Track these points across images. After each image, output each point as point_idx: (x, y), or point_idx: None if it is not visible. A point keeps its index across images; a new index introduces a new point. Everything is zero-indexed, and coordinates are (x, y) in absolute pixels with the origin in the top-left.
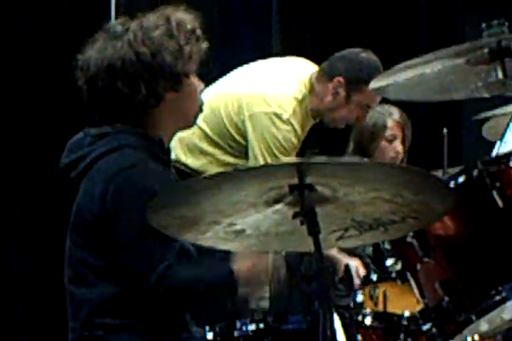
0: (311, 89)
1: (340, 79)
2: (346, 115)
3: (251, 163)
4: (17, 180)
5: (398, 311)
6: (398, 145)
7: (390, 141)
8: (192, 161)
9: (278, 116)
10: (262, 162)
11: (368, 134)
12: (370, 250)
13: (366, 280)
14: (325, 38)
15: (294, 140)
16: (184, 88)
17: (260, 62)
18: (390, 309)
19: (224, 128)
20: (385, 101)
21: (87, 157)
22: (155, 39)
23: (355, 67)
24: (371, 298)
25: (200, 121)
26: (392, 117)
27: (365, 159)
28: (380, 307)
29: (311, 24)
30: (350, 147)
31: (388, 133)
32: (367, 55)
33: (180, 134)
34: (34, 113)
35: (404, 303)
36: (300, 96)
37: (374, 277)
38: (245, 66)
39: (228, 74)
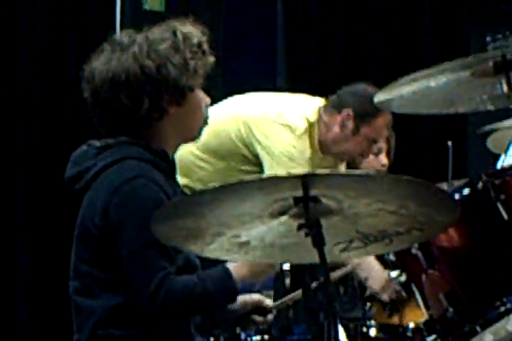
0: (319, 121)
1: (350, 111)
2: (352, 148)
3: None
4: (22, 193)
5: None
6: (384, 158)
7: (376, 154)
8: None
9: (292, 129)
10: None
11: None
12: None
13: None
14: (330, 52)
15: (306, 155)
16: (188, 102)
17: (266, 93)
18: (406, 321)
19: (234, 150)
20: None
21: (91, 169)
22: (160, 52)
23: (365, 100)
24: (384, 309)
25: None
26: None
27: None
28: (396, 319)
29: (314, 40)
30: None
31: (375, 146)
32: (374, 90)
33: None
34: (39, 125)
35: (419, 315)
36: (305, 128)
37: None
38: (251, 94)
39: (232, 98)
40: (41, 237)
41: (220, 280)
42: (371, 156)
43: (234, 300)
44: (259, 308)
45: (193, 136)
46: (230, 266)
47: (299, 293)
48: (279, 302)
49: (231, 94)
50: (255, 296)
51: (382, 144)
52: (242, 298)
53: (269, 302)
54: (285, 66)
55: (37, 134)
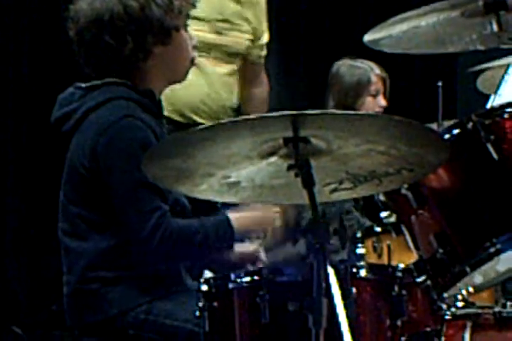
0: None
1: None
2: None
3: None
4: (11, 135)
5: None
6: (381, 100)
7: (374, 96)
8: None
9: None
10: None
11: (353, 90)
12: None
13: (369, 232)
14: None
15: None
16: (174, 42)
17: None
18: (395, 261)
19: None
20: (380, 54)
21: (78, 110)
22: None
23: None
24: (375, 250)
25: None
26: (374, 72)
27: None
28: (385, 260)
29: None
30: (330, 104)
31: (372, 88)
32: None
33: None
34: (27, 69)
35: (410, 256)
36: None
37: (378, 229)
38: None
39: None
40: (30, 179)
41: (219, 226)
42: (369, 98)
43: (230, 247)
44: (254, 260)
45: (180, 76)
46: (232, 215)
47: (291, 249)
48: (273, 256)
49: None
50: (251, 247)
51: (379, 86)
52: (238, 248)
53: (263, 256)
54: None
55: (26, 77)
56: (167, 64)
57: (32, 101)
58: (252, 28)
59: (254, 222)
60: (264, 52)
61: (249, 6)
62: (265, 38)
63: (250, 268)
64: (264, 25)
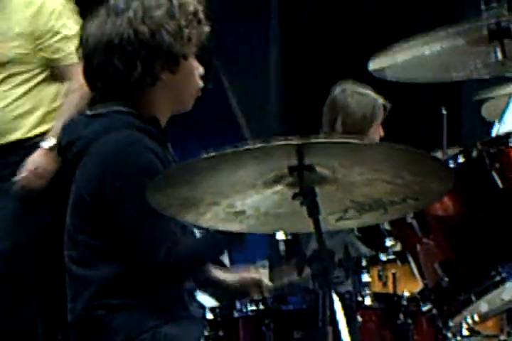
0: None
1: None
2: None
3: None
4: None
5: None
6: (380, 129)
7: (379, 125)
8: None
9: None
10: None
11: (360, 123)
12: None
13: (374, 261)
14: (323, 13)
15: None
16: (181, 70)
17: None
18: (400, 290)
19: None
20: (382, 82)
21: (83, 138)
22: (155, 18)
23: None
24: (380, 278)
25: None
26: (379, 103)
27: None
28: (390, 288)
29: (309, 3)
30: (336, 130)
31: (378, 120)
32: None
33: None
34: None
35: (415, 284)
36: None
37: (383, 257)
38: None
39: None
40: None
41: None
42: (373, 129)
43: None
44: (258, 287)
45: (185, 105)
46: None
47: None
48: (277, 283)
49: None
50: (255, 275)
51: (382, 116)
52: (241, 276)
53: (267, 282)
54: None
55: None
56: (174, 91)
57: None
58: (18, 34)
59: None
60: (64, 51)
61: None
62: (57, 36)
63: (254, 293)
64: (51, 24)
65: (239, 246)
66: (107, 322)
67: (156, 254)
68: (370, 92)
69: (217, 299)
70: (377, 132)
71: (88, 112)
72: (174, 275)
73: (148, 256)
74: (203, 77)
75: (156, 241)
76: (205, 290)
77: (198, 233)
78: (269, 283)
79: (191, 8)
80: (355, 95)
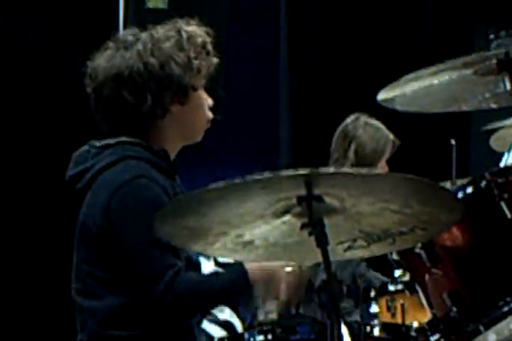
0: None
1: None
2: None
3: None
4: (25, 192)
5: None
6: (386, 165)
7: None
8: None
9: None
10: None
11: (371, 155)
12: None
13: (383, 291)
14: (332, 45)
15: None
16: (191, 102)
17: None
18: (409, 320)
19: None
20: (391, 112)
21: (92, 169)
22: (165, 50)
23: None
24: (388, 309)
25: None
26: (390, 138)
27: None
28: (398, 319)
29: (318, 35)
30: (347, 160)
31: (387, 155)
32: None
33: None
34: (41, 124)
35: (424, 315)
36: None
37: (391, 287)
38: None
39: None
40: (43, 238)
41: (236, 281)
42: (383, 162)
43: (250, 292)
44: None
45: (195, 136)
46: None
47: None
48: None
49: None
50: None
51: (392, 151)
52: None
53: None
54: (287, 67)
55: (39, 134)
56: (184, 123)
57: (47, 159)
58: None
59: (271, 272)
60: None
61: None
62: None
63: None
64: None
65: (245, 294)
66: None
67: (155, 288)
68: (382, 126)
69: (233, 310)
70: (383, 167)
71: (97, 143)
72: (174, 311)
73: (147, 289)
74: (211, 109)
75: (155, 276)
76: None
77: (207, 264)
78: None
79: (200, 40)
80: (367, 127)
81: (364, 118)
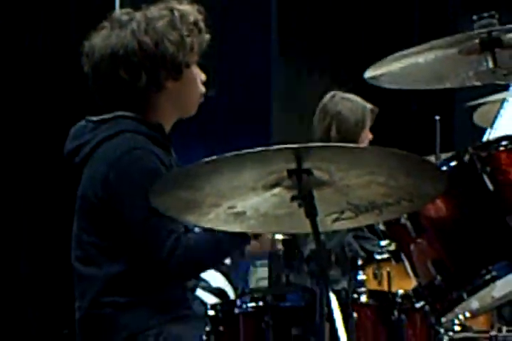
0: None
1: None
2: None
3: None
4: (25, 166)
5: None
6: (369, 133)
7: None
8: None
9: None
10: None
11: (353, 128)
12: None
13: (370, 260)
14: (321, 28)
15: None
16: (184, 77)
17: None
18: (395, 288)
19: None
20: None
21: (89, 142)
22: (158, 29)
23: None
24: (375, 277)
25: None
26: (368, 108)
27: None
28: (385, 286)
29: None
30: (332, 137)
31: (368, 123)
32: None
33: None
34: (40, 102)
35: (409, 282)
36: None
37: (378, 256)
38: None
39: None
40: (44, 209)
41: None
42: (365, 133)
43: (247, 242)
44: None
45: (189, 110)
46: None
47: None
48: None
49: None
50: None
51: (371, 120)
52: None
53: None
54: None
55: (38, 111)
56: (178, 98)
57: (46, 135)
58: None
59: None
60: None
61: None
62: None
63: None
64: None
65: (242, 248)
66: (113, 320)
67: (158, 254)
68: (358, 98)
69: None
70: (367, 136)
71: (94, 118)
72: (176, 275)
73: (150, 255)
74: (204, 84)
75: (157, 242)
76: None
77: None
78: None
79: (192, 18)
80: (344, 102)
81: (340, 94)
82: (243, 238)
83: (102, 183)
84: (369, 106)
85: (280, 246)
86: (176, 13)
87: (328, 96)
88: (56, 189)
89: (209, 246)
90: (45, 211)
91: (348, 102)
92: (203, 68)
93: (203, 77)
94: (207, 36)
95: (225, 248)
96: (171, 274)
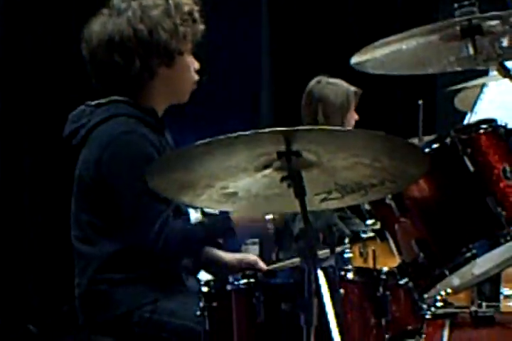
0: None
1: None
2: None
3: None
4: (27, 149)
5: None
6: (355, 114)
7: (354, 110)
8: None
9: None
10: None
11: (339, 110)
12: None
13: (356, 238)
14: (310, 13)
15: None
16: (177, 65)
17: None
18: (380, 265)
19: None
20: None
21: (86, 126)
22: (153, 17)
23: None
24: (361, 254)
25: None
26: (352, 90)
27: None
28: (370, 264)
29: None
30: (319, 120)
31: (352, 105)
32: None
33: None
34: (41, 88)
35: (393, 260)
36: None
37: (363, 235)
38: None
39: None
40: (45, 189)
41: (217, 220)
42: (350, 114)
43: (233, 234)
44: (253, 268)
45: (181, 97)
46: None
47: (291, 261)
48: (272, 266)
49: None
50: (252, 257)
51: (356, 102)
52: (239, 256)
53: (262, 264)
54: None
55: (40, 98)
56: (170, 84)
57: (47, 119)
58: None
59: (249, 221)
60: None
61: None
62: None
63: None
64: None
65: (231, 231)
66: (110, 296)
67: (147, 236)
68: (341, 81)
69: (212, 274)
70: (353, 117)
71: (91, 102)
72: (165, 256)
73: (139, 237)
74: (198, 71)
75: (147, 224)
76: (206, 268)
77: (194, 215)
78: (263, 265)
79: (186, 8)
80: (329, 86)
81: (325, 79)
82: (227, 222)
83: (96, 165)
84: (353, 88)
85: (271, 226)
86: (171, 2)
87: (313, 81)
88: (56, 170)
89: (195, 230)
90: (47, 191)
91: (332, 86)
92: (197, 57)
93: (196, 65)
94: (201, 26)
95: (211, 231)
96: (157, 254)
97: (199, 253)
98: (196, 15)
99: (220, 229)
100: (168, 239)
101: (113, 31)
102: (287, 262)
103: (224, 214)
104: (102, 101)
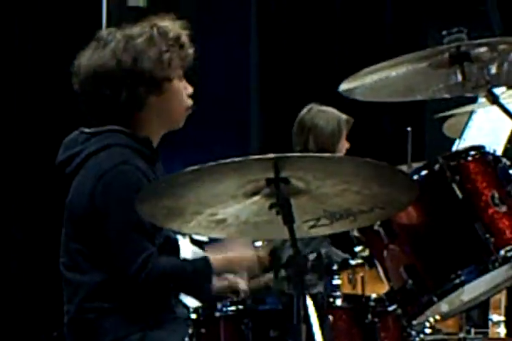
0: None
1: None
2: None
3: None
4: (17, 176)
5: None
6: (346, 142)
7: (345, 139)
8: None
9: None
10: None
11: (330, 139)
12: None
13: (344, 265)
14: (299, 40)
15: None
16: (167, 91)
17: None
18: (368, 292)
19: None
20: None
21: (80, 154)
22: (137, 46)
23: None
24: (349, 281)
25: None
26: (343, 119)
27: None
28: (359, 290)
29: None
30: (309, 147)
31: (344, 133)
32: None
33: None
34: (33, 116)
35: (382, 287)
36: None
37: (352, 262)
38: None
39: None
40: (34, 216)
41: (198, 265)
42: (341, 142)
43: (209, 281)
44: (235, 290)
45: (175, 124)
46: (212, 256)
47: (269, 276)
48: (252, 285)
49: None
50: (233, 279)
51: (347, 130)
52: (220, 280)
53: (243, 285)
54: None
55: (35, 122)
56: (162, 113)
57: (39, 145)
58: None
59: (232, 263)
60: None
61: None
62: None
63: (233, 297)
64: None
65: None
66: (98, 324)
67: (129, 268)
68: (332, 110)
69: (199, 300)
70: (344, 146)
71: (86, 130)
72: (146, 288)
73: (121, 269)
74: (192, 96)
75: (130, 257)
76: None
77: (182, 241)
78: (246, 288)
79: (172, 34)
80: (320, 114)
81: (316, 107)
82: (207, 265)
83: (89, 196)
84: (344, 116)
85: (262, 253)
86: (155, 30)
87: (305, 109)
88: (48, 196)
89: (176, 270)
90: (37, 219)
91: (323, 114)
92: (190, 81)
93: (190, 90)
94: (190, 50)
95: (191, 274)
96: (139, 287)
97: (202, 290)
98: (184, 39)
99: (201, 274)
100: (150, 275)
101: (97, 63)
102: (261, 278)
103: (205, 258)
104: (98, 129)
